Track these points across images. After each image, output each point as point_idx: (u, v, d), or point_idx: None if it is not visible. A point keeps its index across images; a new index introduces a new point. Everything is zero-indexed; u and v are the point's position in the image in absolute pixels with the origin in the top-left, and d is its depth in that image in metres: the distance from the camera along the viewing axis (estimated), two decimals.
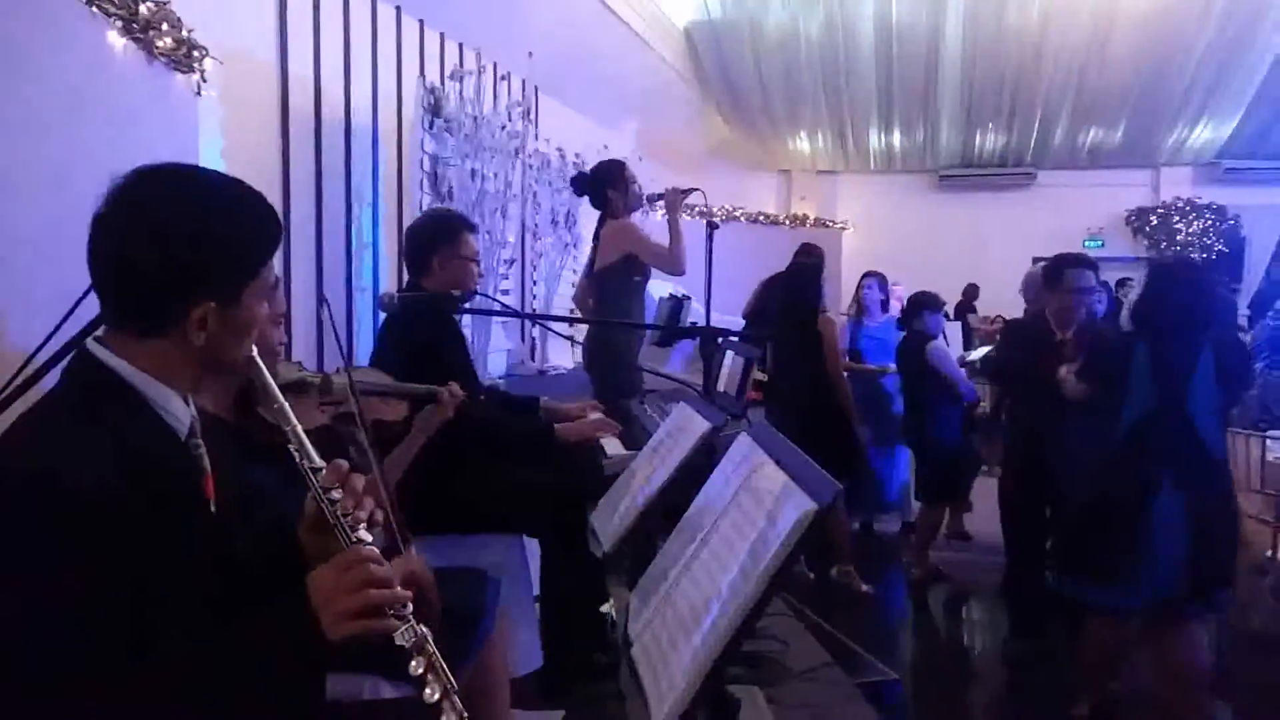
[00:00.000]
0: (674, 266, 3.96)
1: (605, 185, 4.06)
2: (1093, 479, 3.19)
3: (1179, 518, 2.94)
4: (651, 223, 4.27)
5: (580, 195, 4.31)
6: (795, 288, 5.04)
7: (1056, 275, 3.81)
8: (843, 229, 11.95)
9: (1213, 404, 3.06)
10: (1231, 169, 11.60)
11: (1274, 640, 4.23)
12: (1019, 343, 4.09)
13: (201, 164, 1.96)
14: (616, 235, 3.99)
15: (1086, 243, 12.38)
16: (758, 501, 1.30)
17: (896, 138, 11.95)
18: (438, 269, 2.82)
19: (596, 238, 4.13)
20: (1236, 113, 10.72)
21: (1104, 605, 3.14)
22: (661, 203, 4.06)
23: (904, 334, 5.38)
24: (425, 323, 2.72)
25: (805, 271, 5.11)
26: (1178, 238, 11.73)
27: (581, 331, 4.58)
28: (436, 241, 2.85)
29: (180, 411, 1.21)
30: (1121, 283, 8.92)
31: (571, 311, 5.14)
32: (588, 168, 4.71)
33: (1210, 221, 11.70)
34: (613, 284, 3.99)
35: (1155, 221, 11.90)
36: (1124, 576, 3.01)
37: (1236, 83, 10.13)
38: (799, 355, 4.77)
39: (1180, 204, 11.85)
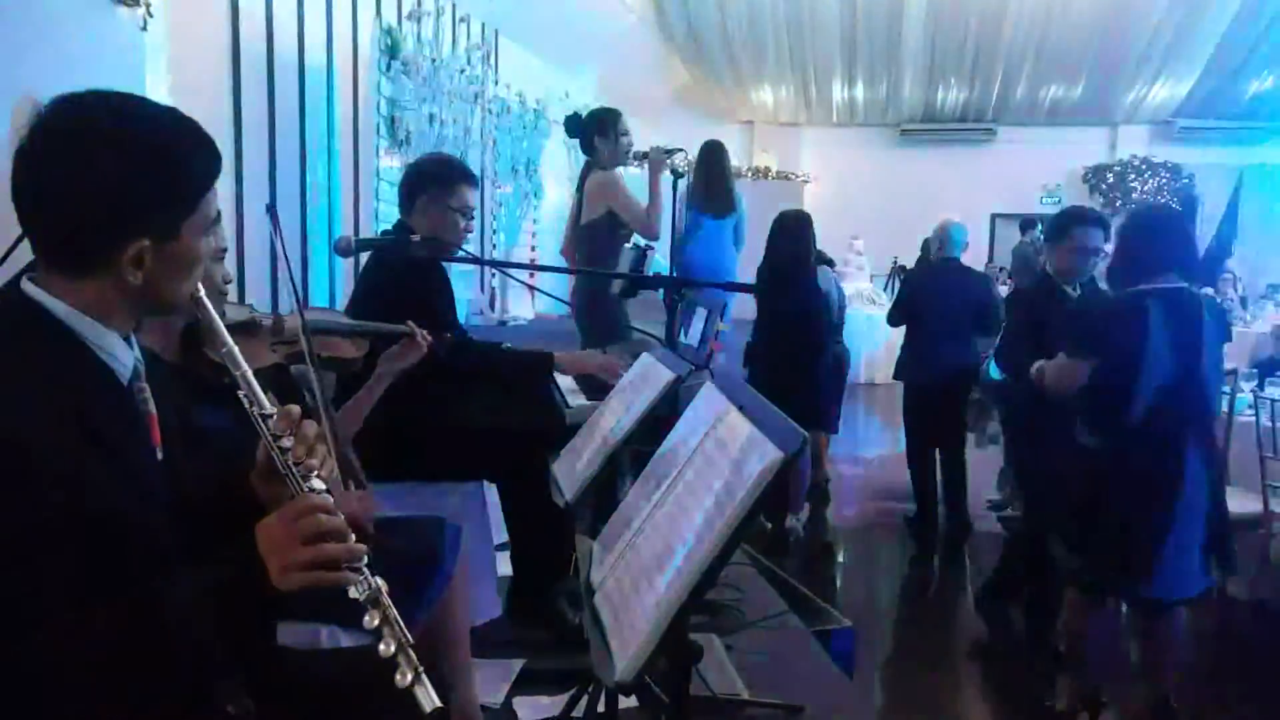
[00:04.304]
0: (649, 230, 3.91)
1: (595, 133, 3.97)
2: (1113, 461, 2.83)
3: (1204, 499, 2.77)
4: (629, 175, 4.18)
5: (571, 137, 4.23)
6: (787, 239, 4.81)
7: (1062, 230, 3.48)
8: (805, 182, 11.92)
9: (1219, 364, 2.84)
10: (1187, 128, 11.75)
11: None
12: (1030, 310, 3.55)
13: None
14: (600, 189, 3.93)
15: (1043, 199, 12.51)
16: (723, 450, 1.29)
17: (859, 90, 11.90)
18: (420, 211, 2.69)
19: (581, 188, 4.07)
20: (1193, 73, 10.83)
21: (1147, 598, 2.88)
22: (644, 162, 3.91)
23: None
24: (404, 268, 2.63)
25: (794, 224, 4.87)
26: (1133, 195, 11.90)
27: (543, 282, 4.52)
28: (429, 182, 2.71)
29: (122, 353, 1.16)
30: None
31: (532, 260, 5.06)
32: (548, 111, 4.60)
33: (1165, 180, 11.87)
34: (601, 237, 3.95)
35: (1111, 179, 12.05)
36: (1154, 567, 2.76)
37: (1194, 43, 10.22)
38: (789, 309, 4.71)
39: (1136, 162, 12.00)
